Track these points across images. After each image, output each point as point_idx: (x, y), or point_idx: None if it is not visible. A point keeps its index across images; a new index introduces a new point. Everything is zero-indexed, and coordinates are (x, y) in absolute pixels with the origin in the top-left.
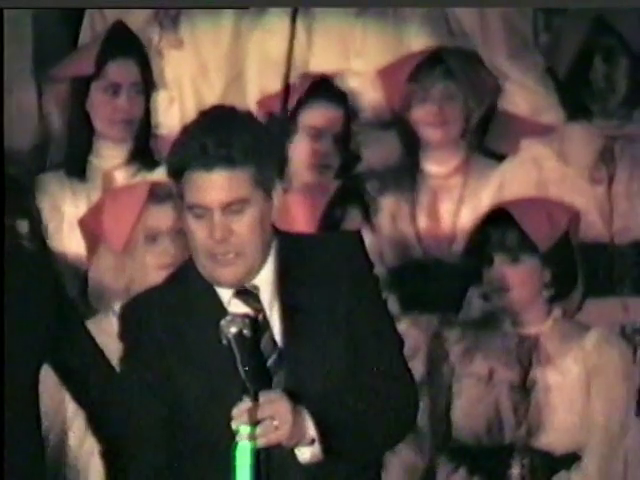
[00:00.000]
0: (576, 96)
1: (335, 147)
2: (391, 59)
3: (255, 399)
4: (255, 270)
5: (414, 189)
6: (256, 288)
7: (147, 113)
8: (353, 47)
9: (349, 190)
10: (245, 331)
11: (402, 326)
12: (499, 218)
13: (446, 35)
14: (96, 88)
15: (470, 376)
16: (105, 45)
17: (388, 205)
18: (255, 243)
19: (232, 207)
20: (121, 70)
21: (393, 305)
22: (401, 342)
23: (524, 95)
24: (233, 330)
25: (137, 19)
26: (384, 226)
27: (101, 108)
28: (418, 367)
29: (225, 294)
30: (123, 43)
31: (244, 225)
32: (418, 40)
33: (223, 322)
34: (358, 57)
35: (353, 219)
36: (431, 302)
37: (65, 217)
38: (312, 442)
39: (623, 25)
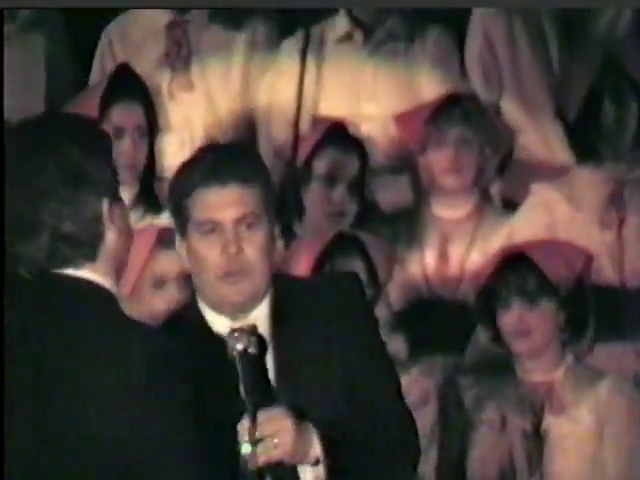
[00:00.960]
0: (586, 139)
1: (350, 194)
2: (402, 103)
3: (254, 417)
4: (258, 296)
5: (424, 233)
6: (254, 327)
7: (152, 157)
8: (364, 90)
9: (347, 238)
10: (250, 349)
11: (412, 371)
12: (515, 261)
13: (458, 78)
14: None
15: (483, 424)
16: (109, 88)
17: (398, 248)
18: (262, 266)
19: (244, 222)
20: (125, 114)
21: (400, 347)
22: (398, 383)
23: (534, 139)
24: (239, 347)
25: (147, 61)
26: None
27: None
28: (430, 414)
29: (223, 332)
30: (128, 86)
31: (253, 245)
32: (429, 84)
33: (230, 338)
34: (369, 101)
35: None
36: (439, 344)
37: None
38: (317, 462)
39: (632, 66)
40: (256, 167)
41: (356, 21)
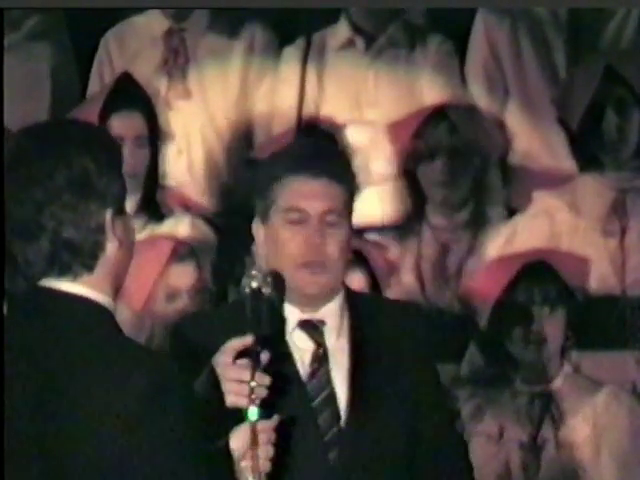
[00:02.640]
0: (588, 147)
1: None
2: (403, 109)
3: (257, 357)
4: (333, 291)
5: (420, 240)
6: (322, 322)
7: (154, 165)
8: (365, 97)
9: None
10: (264, 289)
11: None
12: (532, 268)
13: (459, 85)
14: None
15: (480, 435)
16: (109, 98)
17: (393, 256)
18: (339, 263)
19: (330, 216)
20: (125, 123)
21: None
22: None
23: (537, 146)
24: (253, 285)
25: (145, 69)
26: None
27: None
28: None
29: (291, 322)
30: (128, 95)
31: (335, 241)
32: (431, 90)
33: (245, 277)
34: (371, 108)
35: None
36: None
37: None
38: None
39: (635, 77)
40: (347, 168)
41: (357, 28)
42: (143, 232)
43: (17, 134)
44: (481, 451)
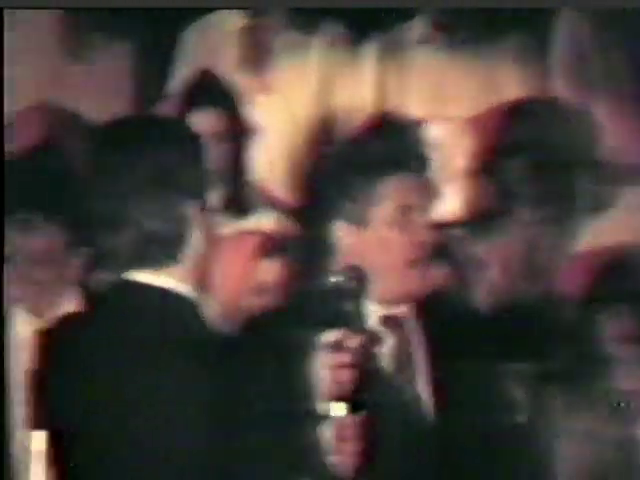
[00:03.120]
0: None
1: None
2: (484, 104)
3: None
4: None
5: (506, 236)
6: (405, 317)
7: (237, 161)
8: (445, 93)
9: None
10: (347, 284)
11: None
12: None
13: (541, 79)
14: None
15: (573, 434)
16: (189, 94)
17: (480, 253)
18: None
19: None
20: (204, 119)
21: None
22: None
23: (624, 141)
24: (336, 280)
25: (224, 65)
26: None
27: None
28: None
29: (373, 318)
30: (208, 91)
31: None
32: (512, 85)
33: (328, 273)
34: (450, 103)
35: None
36: (526, 352)
37: None
38: None
39: None
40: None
41: (436, 23)
42: (228, 228)
43: (101, 128)
44: (574, 450)
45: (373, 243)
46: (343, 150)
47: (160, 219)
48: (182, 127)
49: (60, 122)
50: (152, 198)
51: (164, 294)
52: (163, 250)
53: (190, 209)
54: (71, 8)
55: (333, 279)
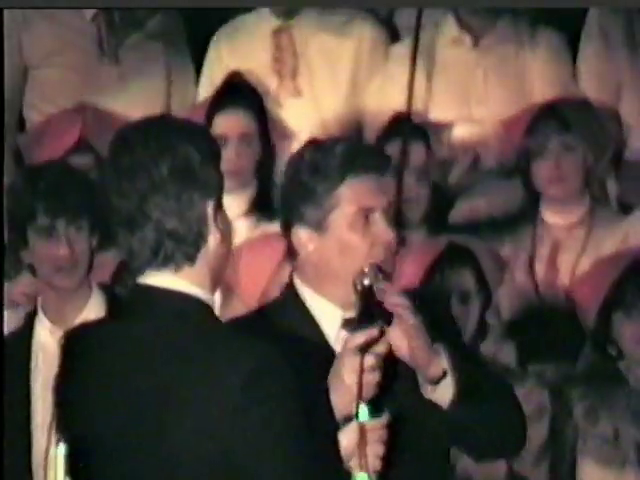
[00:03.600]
0: None
1: (418, 183)
2: (513, 106)
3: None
4: None
5: (534, 239)
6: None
7: (267, 163)
8: (474, 94)
9: (458, 249)
10: (376, 285)
11: (527, 383)
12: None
13: (570, 80)
14: None
15: (596, 437)
16: (219, 96)
17: (505, 254)
18: None
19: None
20: (229, 122)
21: (510, 356)
22: None
23: None
24: (365, 282)
25: (255, 68)
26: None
27: None
28: (544, 426)
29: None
30: (238, 93)
31: None
32: (541, 87)
33: (357, 274)
34: (480, 105)
35: (464, 280)
36: (549, 353)
37: None
38: (443, 375)
39: None
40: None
41: (465, 25)
42: (256, 231)
43: (121, 128)
44: (597, 453)
45: (334, 247)
46: (306, 154)
47: (179, 217)
48: (198, 127)
49: (96, 124)
50: (172, 196)
51: (180, 299)
52: (182, 249)
53: (208, 207)
54: (71, 7)
55: (363, 280)
